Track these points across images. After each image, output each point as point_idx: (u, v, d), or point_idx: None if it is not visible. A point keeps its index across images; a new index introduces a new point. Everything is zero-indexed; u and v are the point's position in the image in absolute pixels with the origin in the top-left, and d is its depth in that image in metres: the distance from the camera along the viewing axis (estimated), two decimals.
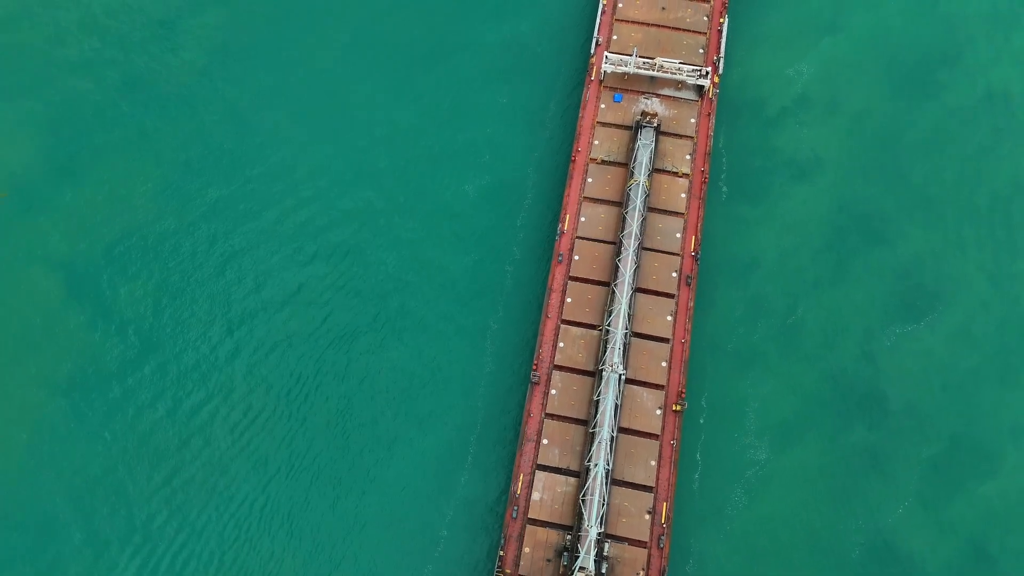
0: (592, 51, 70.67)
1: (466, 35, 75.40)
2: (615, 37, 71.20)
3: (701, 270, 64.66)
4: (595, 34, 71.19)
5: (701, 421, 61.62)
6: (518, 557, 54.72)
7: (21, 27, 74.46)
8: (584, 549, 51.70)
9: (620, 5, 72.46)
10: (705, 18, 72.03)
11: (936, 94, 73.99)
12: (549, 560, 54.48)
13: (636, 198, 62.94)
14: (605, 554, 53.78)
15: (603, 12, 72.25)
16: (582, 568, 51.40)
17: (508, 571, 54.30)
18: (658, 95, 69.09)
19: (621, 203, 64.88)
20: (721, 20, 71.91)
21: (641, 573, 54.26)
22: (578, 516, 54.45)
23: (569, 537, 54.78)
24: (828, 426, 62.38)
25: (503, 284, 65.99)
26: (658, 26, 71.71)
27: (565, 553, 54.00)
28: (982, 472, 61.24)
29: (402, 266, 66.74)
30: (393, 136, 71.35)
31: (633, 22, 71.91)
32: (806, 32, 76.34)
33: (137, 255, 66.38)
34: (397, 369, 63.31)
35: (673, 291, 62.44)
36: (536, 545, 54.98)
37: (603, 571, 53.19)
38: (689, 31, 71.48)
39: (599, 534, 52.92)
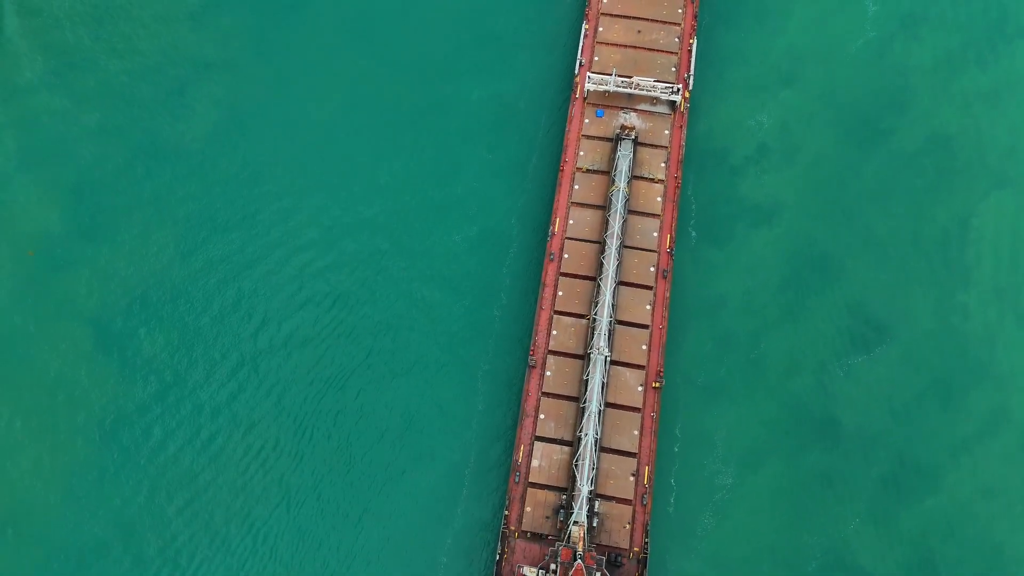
0: (576, 71, 79.17)
1: (453, 92, 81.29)
2: (596, 58, 79.68)
3: (673, 309, 71.01)
4: (579, 56, 79.67)
5: (676, 449, 67.72)
6: (521, 515, 63.29)
7: (42, 94, 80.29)
8: (578, 506, 60.33)
9: (601, 29, 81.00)
10: (676, 39, 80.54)
11: (884, 140, 79.55)
12: (548, 517, 63.09)
13: (617, 202, 71.43)
14: (596, 510, 62.39)
15: (586, 36, 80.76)
16: (576, 522, 59.94)
17: (513, 528, 62.86)
18: (636, 110, 77.60)
19: (604, 207, 73.32)
20: (691, 41, 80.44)
21: (627, 526, 62.92)
22: (572, 479, 63.08)
23: (565, 497, 63.38)
24: (787, 450, 68.35)
25: (492, 325, 71.87)
26: (635, 47, 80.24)
27: (561, 510, 62.71)
28: (925, 488, 67.18)
29: (396, 307, 72.42)
30: (386, 189, 77.30)
31: (612, 44, 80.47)
32: (766, 85, 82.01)
33: (156, 305, 72.23)
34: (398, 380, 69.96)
35: (651, 283, 70.93)
36: (536, 505, 63.57)
37: (594, 525, 61.86)
38: (662, 51, 80.00)
39: (590, 493, 61.56)
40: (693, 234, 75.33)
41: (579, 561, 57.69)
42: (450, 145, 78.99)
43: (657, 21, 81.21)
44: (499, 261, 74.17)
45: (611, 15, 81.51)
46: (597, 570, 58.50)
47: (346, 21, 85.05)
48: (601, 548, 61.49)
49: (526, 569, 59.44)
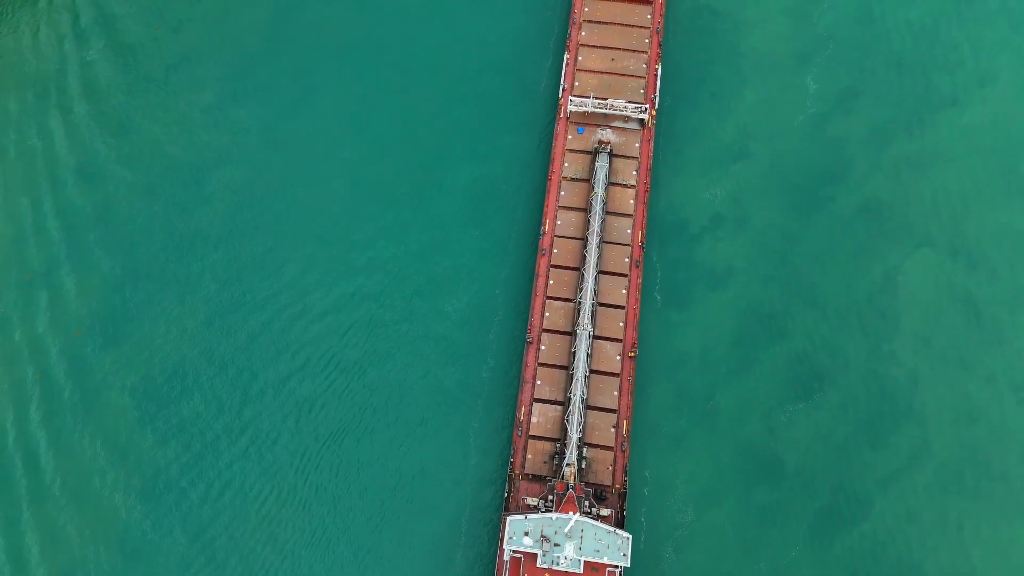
0: (560, 95, 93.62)
1: (444, 172, 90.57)
2: (577, 83, 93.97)
3: (640, 369, 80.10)
4: (561, 82, 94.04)
5: (646, 492, 77.00)
6: (524, 461, 77.82)
7: (80, 186, 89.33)
8: (569, 451, 74.90)
9: (580, 58, 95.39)
10: (644, 65, 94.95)
11: (823, 206, 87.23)
12: (545, 462, 77.62)
13: (596, 205, 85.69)
14: (584, 455, 76.93)
15: (567, 64, 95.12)
16: (568, 464, 74.50)
17: (518, 472, 77.38)
18: (611, 127, 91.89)
19: (586, 209, 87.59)
20: (656, 67, 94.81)
21: (610, 468, 77.49)
22: (564, 431, 77.60)
23: (558, 445, 77.87)
24: (738, 488, 77.33)
25: (482, 385, 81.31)
26: (609, 73, 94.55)
27: (556, 456, 77.28)
28: (856, 516, 76.06)
29: (396, 370, 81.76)
30: (385, 265, 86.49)
31: (590, 71, 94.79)
32: (719, 160, 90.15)
33: (188, 376, 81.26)
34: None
35: (626, 272, 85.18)
36: (536, 452, 78.12)
37: (583, 466, 76.54)
38: (632, 76, 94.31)
39: (579, 441, 76.17)
40: (658, 298, 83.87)
41: (571, 491, 72.48)
42: (442, 221, 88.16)
43: (628, 50, 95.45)
44: (487, 325, 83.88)
45: (588, 46, 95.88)
46: (585, 499, 73.27)
47: (346, 114, 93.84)
48: (589, 485, 75.94)
49: (529, 499, 74.22)
